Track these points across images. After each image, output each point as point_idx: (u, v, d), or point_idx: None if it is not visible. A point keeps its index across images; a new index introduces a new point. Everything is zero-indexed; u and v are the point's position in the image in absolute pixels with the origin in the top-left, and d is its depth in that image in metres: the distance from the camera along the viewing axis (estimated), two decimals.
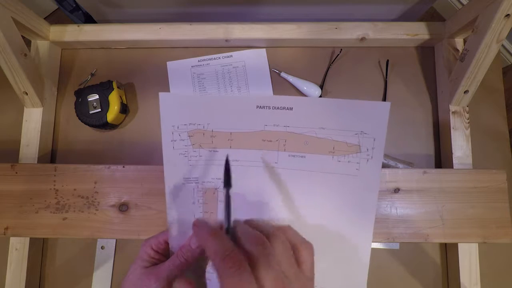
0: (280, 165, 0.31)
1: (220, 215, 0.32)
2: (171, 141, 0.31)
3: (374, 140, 0.30)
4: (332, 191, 0.31)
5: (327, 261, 0.31)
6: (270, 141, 0.31)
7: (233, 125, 0.31)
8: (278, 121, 0.30)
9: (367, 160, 0.31)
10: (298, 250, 0.26)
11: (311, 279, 0.25)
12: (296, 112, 0.30)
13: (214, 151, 0.31)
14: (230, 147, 0.31)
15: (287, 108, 0.30)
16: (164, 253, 0.32)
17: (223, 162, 0.31)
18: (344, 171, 0.31)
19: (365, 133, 0.30)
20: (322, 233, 0.31)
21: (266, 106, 0.30)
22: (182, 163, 0.31)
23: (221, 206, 0.32)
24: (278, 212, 0.31)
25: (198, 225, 0.27)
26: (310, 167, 0.31)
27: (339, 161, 0.31)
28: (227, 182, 0.27)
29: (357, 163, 0.31)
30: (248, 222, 0.27)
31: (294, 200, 0.31)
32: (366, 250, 0.31)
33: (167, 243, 0.31)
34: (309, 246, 0.26)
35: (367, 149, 0.30)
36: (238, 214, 0.32)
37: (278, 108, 0.30)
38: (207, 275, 0.33)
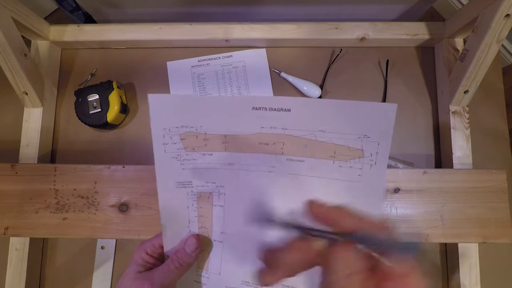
0: (277, 169, 0.30)
1: (216, 219, 0.31)
2: (163, 144, 0.30)
3: (378, 144, 0.28)
4: (333, 198, 0.30)
5: None
6: (267, 144, 0.29)
7: (227, 127, 0.29)
8: (275, 123, 0.29)
9: (371, 166, 0.29)
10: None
11: None
12: (295, 113, 0.28)
13: (208, 154, 0.30)
14: (225, 150, 0.30)
15: (285, 110, 0.28)
16: (159, 258, 0.31)
17: (219, 166, 0.30)
18: (346, 177, 0.29)
19: (369, 137, 0.28)
20: None
21: (263, 108, 0.28)
22: (174, 167, 0.30)
23: (216, 210, 0.31)
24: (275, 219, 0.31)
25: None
26: (309, 172, 0.29)
27: (341, 166, 0.29)
28: None
29: (360, 168, 0.29)
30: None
31: (292, 207, 0.30)
32: None
33: (162, 248, 0.31)
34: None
35: (371, 154, 0.29)
36: (232, 219, 0.31)
37: (275, 109, 0.28)
38: (202, 279, 0.32)
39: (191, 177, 0.31)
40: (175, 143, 0.30)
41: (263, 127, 0.29)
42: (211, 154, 0.30)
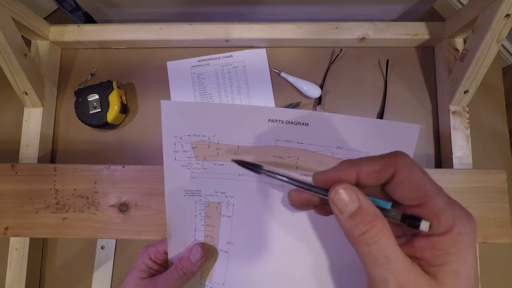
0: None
1: (223, 229, 0.31)
2: (173, 152, 0.29)
3: None
4: None
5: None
6: (281, 157, 0.28)
7: (241, 138, 0.28)
8: (291, 137, 0.28)
9: None
10: None
11: None
12: (312, 128, 0.27)
13: (219, 164, 0.29)
14: None
15: (303, 124, 0.27)
16: (163, 264, 0.31)
17: (230, 177, 0.29)
18: None
19: None
20: (331, 259, 0.29)
21: (279, 120, 0.27)
22: (183, 175, 0.30)
23: (223, 220, 0.31)
24: (284, 232, 0.30)
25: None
26: None
27: None
28: (254, 166, 0.25)
29: None
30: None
31: (303, 222, 0.29)
32: None
33: (166, 254, 0.31)
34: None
35: None
36: (239, 229, 0.30)
37: (292, 122, 0.27)
38: None
39: (200, 186, 0.30)
40: (186, 151, 0.29)
41: (278, 140, 0.28)
42: (223, 164, 0.29)
